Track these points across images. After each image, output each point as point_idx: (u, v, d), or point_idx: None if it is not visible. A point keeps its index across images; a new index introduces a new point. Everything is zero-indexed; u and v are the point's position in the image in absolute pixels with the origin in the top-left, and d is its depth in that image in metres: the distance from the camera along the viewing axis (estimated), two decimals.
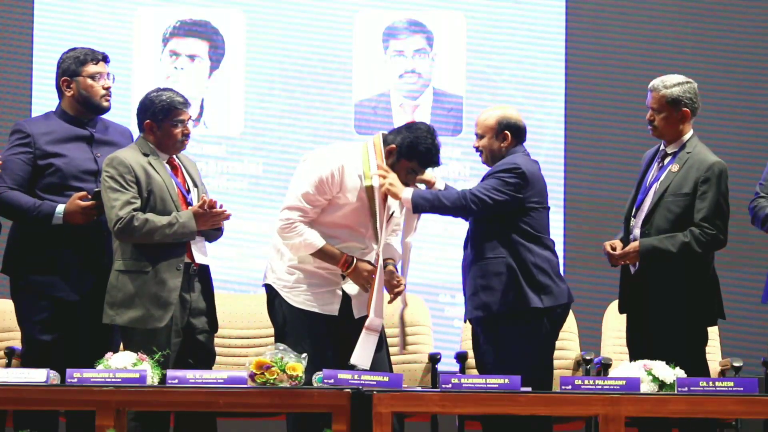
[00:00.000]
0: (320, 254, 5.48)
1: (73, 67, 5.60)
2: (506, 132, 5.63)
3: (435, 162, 5.52)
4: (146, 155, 5.50)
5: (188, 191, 5.57)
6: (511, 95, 7.88)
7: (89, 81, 5.59)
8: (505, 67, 7.99)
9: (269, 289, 5.60)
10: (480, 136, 5.69)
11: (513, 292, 5.53)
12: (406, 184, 5.52)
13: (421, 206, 5.52)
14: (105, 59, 5.65)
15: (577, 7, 8.11)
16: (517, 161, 5.59)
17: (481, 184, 5.58)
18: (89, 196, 5.45)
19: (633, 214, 5.69)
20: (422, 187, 5.63)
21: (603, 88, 8.05)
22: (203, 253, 5.53)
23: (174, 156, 5.59)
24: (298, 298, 5.51)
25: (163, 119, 5.51)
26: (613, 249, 5.68)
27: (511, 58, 7.99)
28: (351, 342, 5.44)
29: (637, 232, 5.66)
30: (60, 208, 5.46)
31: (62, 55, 5.68)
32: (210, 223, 5.45)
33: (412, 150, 5.49)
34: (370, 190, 5.49)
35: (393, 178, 5.50)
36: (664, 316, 5.57)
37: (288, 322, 5.53)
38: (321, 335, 5.47)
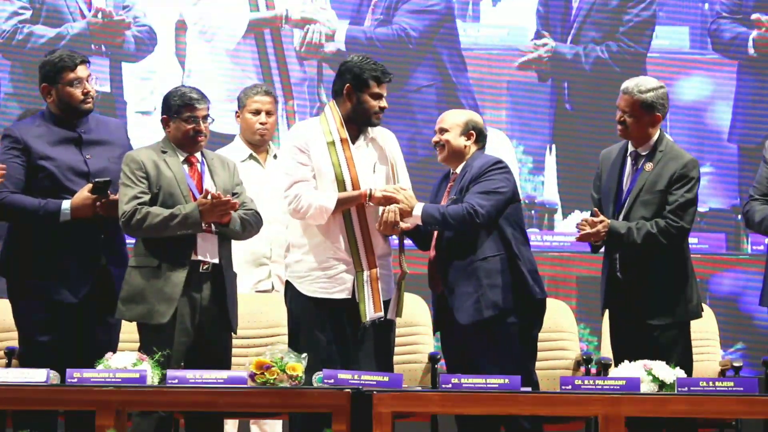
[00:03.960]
0: (341, 205, 5.52)
1: (51, 74, 5.56)
2: (472, 132, 5.67)
3: (385, 72, 5.59)
4: (164, 152, 5.51)
5: (202, 190, 5.48)
6: None
7: (67, 88, 5.53)
8: None
9: (286, 284, 5.65)
10: (444, 131, 5.69)
11: (520, 286, 5.56)
12: (380, 110, 5.59)
13: (430, 224, 5.59)
14: (84, 62, 5.57)
15: None
16: (492, 157, 5.67)
17: (476, 195, 5.54)
18: (98, 186, 5.42)
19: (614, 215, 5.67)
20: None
21: None
22: (214, 250, 5.48)
23: (195, 154, 5.57)
24: (311, 287, 5.54)
25: (175, 115, 5.51)
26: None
27: None
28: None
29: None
30: (66, 204, 5.44)
31: (43, 59, 5.63)
32: (217, 214, 5.41)
33: (361, 80, 5.57)
34: (330, 144, 5.56)
35: (404, 195, 5.55)
36: (648, 315, 5.56)
37: (294, 315, 5.57)
38: (327, 328, 5.49)
